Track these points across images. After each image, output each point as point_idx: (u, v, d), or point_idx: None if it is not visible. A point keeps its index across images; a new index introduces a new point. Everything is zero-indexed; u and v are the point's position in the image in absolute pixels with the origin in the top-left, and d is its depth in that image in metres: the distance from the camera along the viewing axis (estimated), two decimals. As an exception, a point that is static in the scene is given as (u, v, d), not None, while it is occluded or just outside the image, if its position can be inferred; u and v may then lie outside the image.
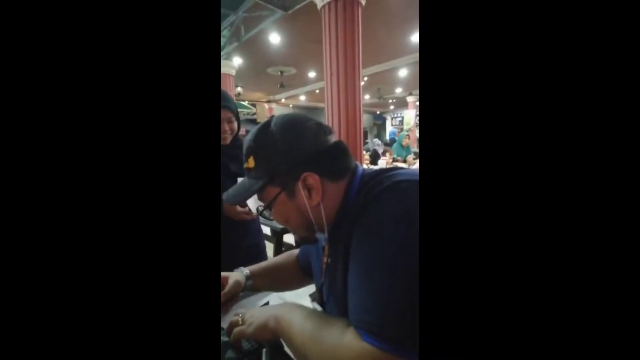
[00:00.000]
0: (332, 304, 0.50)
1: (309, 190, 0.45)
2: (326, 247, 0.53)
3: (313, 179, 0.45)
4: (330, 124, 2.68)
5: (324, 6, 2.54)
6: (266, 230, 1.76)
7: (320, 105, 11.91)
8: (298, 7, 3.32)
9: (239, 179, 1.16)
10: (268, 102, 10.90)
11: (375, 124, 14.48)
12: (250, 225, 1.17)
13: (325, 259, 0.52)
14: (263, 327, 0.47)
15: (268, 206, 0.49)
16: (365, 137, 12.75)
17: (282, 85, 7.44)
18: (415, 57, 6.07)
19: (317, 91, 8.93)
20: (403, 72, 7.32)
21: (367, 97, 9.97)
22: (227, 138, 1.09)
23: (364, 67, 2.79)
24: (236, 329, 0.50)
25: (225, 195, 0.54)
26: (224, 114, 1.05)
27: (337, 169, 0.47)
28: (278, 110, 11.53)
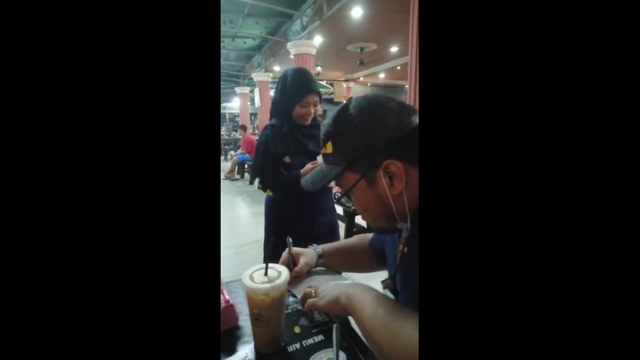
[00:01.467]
0: (406, 294, 0.48)
1: (390, 178, 0.42)
2: (402, 235, 0.50)
3: (395, 166, 0.42)
4: (413, 103, 2.47)
5: (415, -31, 2.26)
6: (339, 210, 1.78)
7: (401, 82, 11.09)
8: (385, -26, 3.04)
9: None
10: (346, 80, 10.73)
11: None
12: (325, 204, 1.20)
13: (401, 247, 0.51)
14: (334, 302, 0.47)
15: (346, 193, 0.47)
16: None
17: (361, 63, 7.18)
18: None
19: (399, 67, 8.32)
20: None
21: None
22: (309, 120, 1.13)
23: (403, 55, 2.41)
24: (310, 300, 0.52)
25: (303, 181, 0.54)
26: (311, 98, 1.09)
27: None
28: (356, 89, 11.26)
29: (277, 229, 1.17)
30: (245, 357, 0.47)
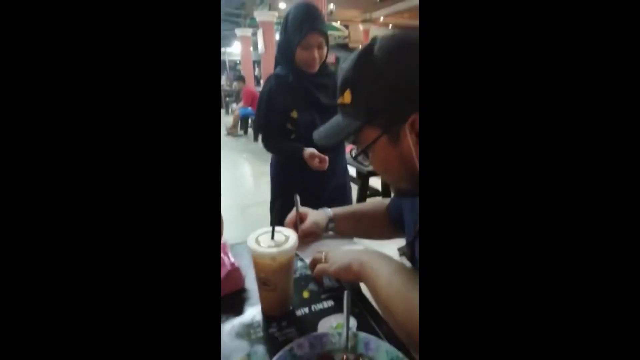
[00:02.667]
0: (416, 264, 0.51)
1: (417, 134, 0.40)
2: None
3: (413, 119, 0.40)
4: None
5: None
6: (351, 170, 1.76)
7: (428, 24, 10.19)
8: None
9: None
10: (363, 22, 9.94)
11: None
12: (337, 164, 1.17)
13: None
14: (346, 269, 0.48)
15: (364, 151, 0.45)
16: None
17: (382, 0, 6.58)
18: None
19: None
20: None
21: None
22: (314, 65, 1.03)
23: None
24: (319, 266, 0.52)
25: (316, 134, 0.51)
26: (314, 39, 0.98)
27: None
28: (375, 33, 10.47)
29: (283, 190, 1.16)
30: (252, 319, 0.50)
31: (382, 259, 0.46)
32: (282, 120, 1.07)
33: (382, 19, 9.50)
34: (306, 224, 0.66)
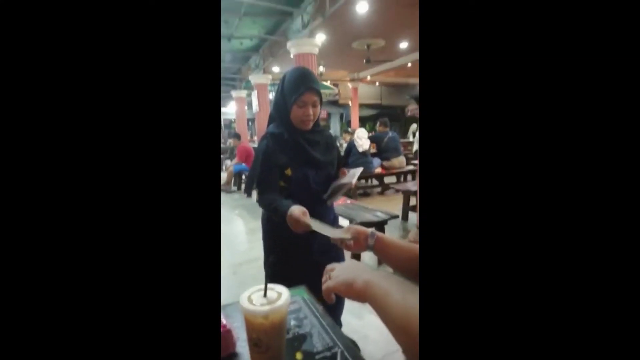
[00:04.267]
0: None
1: None
2: None
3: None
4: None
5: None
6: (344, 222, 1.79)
7: (412, 81, 11.19)
8: (391, -34, 3.13)
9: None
10: (352, 80, 10.87)
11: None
12: (326, 218, 1.18)
13: None
14: (347, 285, 0.48)
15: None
16: (469, 118, 11.37)
17: (368, 61, 7.29)
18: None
19: (409, 64, 8.41)
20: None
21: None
22: (309, 123, 1.10)
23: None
24: (324, 285, 0.51)
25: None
26: (309, 97, 1.06)
27: None
28: (363, 89, 11.37)
29: (275, 246, 1.17)
30: (243, 386, 0.48)
31: (388, 277, 0.46)
32: (276, 176, 1.11)
33: (368, 77, 10.43)
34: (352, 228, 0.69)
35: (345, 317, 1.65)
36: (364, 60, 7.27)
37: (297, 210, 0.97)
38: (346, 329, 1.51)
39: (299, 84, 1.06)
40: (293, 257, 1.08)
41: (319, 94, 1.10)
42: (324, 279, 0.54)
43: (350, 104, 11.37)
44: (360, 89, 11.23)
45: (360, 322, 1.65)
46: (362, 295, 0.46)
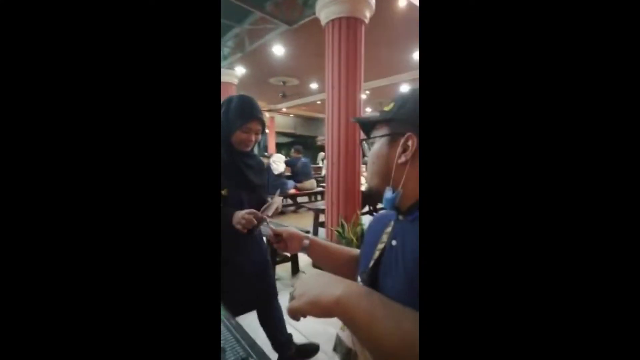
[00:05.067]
0: (386, 285, 0.49)
1: (404, 150, 0.50)
2: (390, 231, 0.55)
3: (412, 142, 0.49)
4: (329, 135, 2.81)
5: (328, 23, 2.71)
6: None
7: (321, 115, 12.12)
8: (302, 22, 3.51)
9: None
10: (269, 111, 11.12)
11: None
12: (259, 243, 1.22)
13: (393, 242, 0.53)
14: (313, 305, 0.40)
15: (368, 140, 0.56)
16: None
17: (284, 95, 7.63)
18: (415, 73, 6.29)
19: (319, 102, 9.13)
20: (404, 88, 7.55)
21: (368, 109, 10.19)
22: (249, 146, 1.13)
23: (366, 81, 2.93)
24: (289, 306, 0.44)
25: (356, 119, 0.60)
26: (255, 126, 1.10)
27: None
28: (280, 119, 11.72)
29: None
30: None
31: (371, 294, 0.40)
32: None
33: (284, 109, 10.86)
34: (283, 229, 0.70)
35: (257, 327, 1.66)
36: (280, 95, 7.58)
37: (242, 212, 1.00)
38: (259, 339, 1.52)
39: (248, 112, 1.08)
40: (226, 274, 1.05)
41: (263, 124, 1.14)
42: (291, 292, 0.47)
43: (268, 132, 11.60)
44: (277, 118, 11.60)
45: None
46: (332, 313, 0.39)
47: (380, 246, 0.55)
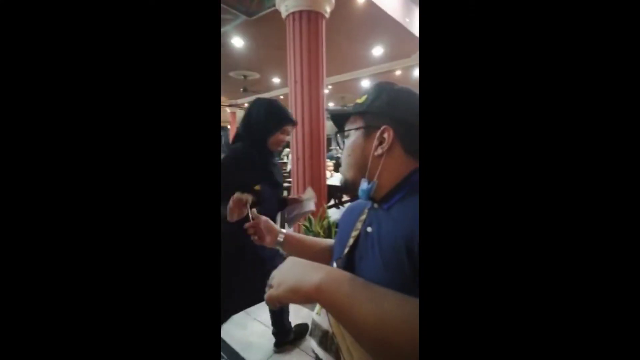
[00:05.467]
0: (362, 268, 0.50)
1: (380, 143, 0.51)
2: (364, 219, 0.57)
3: (388, 135, 0.50)
4: (294, 130, 2.79)
5: (288, 16, 2.67)
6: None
7: (285, 111, 11.96)
8: (262, 13, 3.41)
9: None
10: (230, 106, 10.71)
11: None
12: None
13: (369, 229, 0.54)
14: (294, 292, 0.40)
15: (343, 131, 0.57)
16: (330, 144, 13.03)
17: (245, 90, 7.40)
18: (376, 69, 6.48)
19: (282, 97, 9.02)
20: (365, 83, 7.74)
21: (331, 104, 10.31)
22: (281, 146, 1.24)
23: (327, 76, 2.95)
24: (267, 294, 0.43)
25: (330, 111, 0.64)
26: (290, 128, 1.22)
27: (415, 148, 0.50)
28: (241, 114, 11.38)
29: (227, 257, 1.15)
30: None
31: (353, 280, 0.39)
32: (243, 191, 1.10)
33: (245, 104, 10.54)
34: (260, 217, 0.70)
35: (228, 327, 1.63)
36: (241, 89, 7.34)
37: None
38: (230, 340, 1.49)
39: (285, 115, 1.19)
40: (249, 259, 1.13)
41: (295, 125, 1.28)
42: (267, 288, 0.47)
43: (229, 127, 11.17)
44: (239, 114, 11.21)
45: (243, 331, 1.65)
46: (313, 299, 0.40)
47: (355, 233, 0.56)
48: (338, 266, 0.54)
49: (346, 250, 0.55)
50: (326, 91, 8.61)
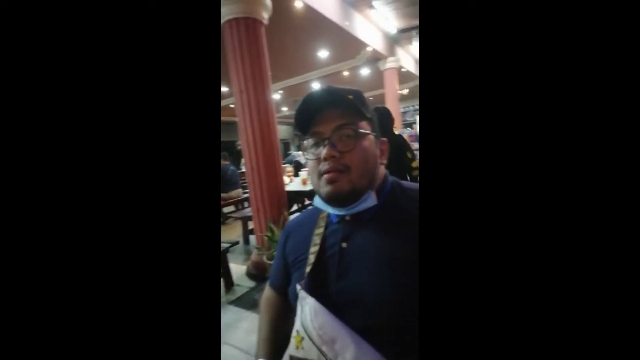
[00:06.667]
0: (345, 287, 0.47)
1: (381, 152, 0.53)
2: (333, 234, 0.52)
3: (385, 147, 0.54)
4: (245, 139, 2.70)
5: (225, 23, 2.58)
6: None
7: (235, 119, 11.64)
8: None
9: None
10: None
11: (296, 135, 14.92)
12: None
13: (344, 245, 0.50)
14: None
15: (356, 133, 0.48)
16: (288, 148, 12.97)
17: (192, 101, 7.04)
18: (325, 71, 6.58)
19: (232, 106, 8.75)
20: (316, 85, 7.83)
21: (285, 109, 10.25)
22: None
23: (278, 81, 2.90)
24: None
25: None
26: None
27: (389, 162, 0.55)
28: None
29: None
30: None
31: None
32: None
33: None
34: None
35: None
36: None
37: None
38: None
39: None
40: None
41: None
42: None
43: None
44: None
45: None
46: None
47: (314, 249, 0.51)
48: (303, 287, 0.49)
49: (308, 269, 0.50)
50: (277, 96, 8.54)
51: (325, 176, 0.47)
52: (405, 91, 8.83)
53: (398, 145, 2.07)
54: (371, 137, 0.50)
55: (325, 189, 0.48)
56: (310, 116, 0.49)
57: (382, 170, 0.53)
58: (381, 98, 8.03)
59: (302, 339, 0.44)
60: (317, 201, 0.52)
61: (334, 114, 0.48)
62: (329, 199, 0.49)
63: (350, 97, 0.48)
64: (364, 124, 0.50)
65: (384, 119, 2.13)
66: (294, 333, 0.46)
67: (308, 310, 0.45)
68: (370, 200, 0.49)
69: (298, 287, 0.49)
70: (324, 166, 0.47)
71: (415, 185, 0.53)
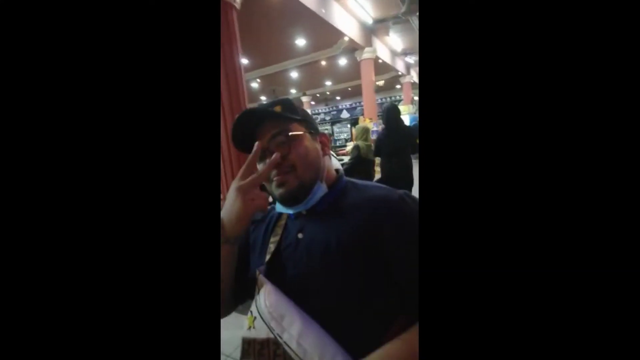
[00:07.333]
0: (297, 274, 0.50)
1: (322, 146, 0.57)
2: (291, 227, 0.55)
3: (326, 139, 0.58)
4: (221, 128, 2.65)
5: (194, 6, 2.48)
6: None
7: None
8: None
9: None
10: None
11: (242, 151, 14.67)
12: None
13: (300, 236, 0.53)
14: None
15: (290, 139, 0.52)
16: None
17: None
18: (302, 59, 6.50)
19: (208, 93, 8.43)
20: (294, 74, 7.72)
21: (263, 98, 10.06)
22: None
23: (254, 69, 2.84)
24: None
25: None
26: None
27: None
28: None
29: None
30: None
31: None
32: None
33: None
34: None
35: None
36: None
37: None
38: None
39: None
40: None
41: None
42: None
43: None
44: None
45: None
46: None
47: (275, 239, 0.55)
48: (263, 273, 0.51)
49: (268, 257, 0.53)
50: (255, 85, 8.35)
51: (275, 179, 0.51)
52: (381, 82, 8.91)
53: (407, 134, 2.43)
54: (306, 135, 0.54)
55: (277, 191, 0.52)
56: (249, 135, 0.54)
57: (328, 162, 0.57)
58: (358, 89, 8.05)
59: (255, 318, 0.47)
60: (278, 207, 0.56)
61: (266, 127, 0.53)
62: (283, 200, 0.52)
63: (278, 107, 0.53)
64: (295, 126, 0.54)
65: (391, 113, 2.41)
66: (248, 314, 0.49)
67: (263, 291, 0.49)
68: (321, 190, 0.53)
69: (257, 272, 0.52)
70: (274, 173, 0.51)
71: (371, 183, 0.58)
